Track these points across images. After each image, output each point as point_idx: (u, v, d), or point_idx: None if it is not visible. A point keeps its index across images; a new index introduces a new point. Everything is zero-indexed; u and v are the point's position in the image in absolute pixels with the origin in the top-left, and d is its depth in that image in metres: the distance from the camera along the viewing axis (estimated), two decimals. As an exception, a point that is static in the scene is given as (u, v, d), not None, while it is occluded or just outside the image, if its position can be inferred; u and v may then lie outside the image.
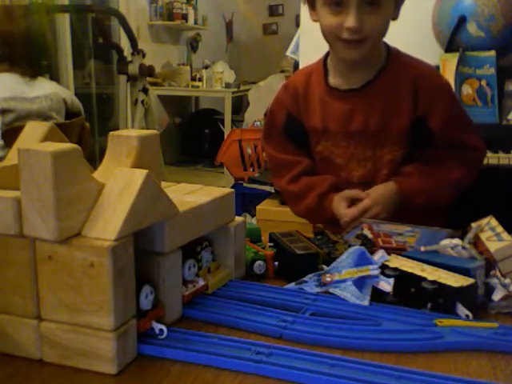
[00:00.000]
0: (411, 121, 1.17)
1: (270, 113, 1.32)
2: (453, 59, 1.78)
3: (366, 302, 0.75)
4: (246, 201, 2.65)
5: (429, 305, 0.73)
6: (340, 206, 1.18)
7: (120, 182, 0.61)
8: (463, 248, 0.82)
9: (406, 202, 1.18)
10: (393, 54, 1.20)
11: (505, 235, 0.82)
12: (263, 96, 4.77)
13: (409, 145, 1.19)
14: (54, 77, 3.77)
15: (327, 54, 1.25)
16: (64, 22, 4.03)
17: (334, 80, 1.22)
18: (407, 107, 1.16)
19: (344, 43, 1.10)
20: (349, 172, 1.23)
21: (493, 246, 0.81)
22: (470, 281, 0.73)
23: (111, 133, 0.67)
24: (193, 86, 5.29)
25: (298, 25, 2.61)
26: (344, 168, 1.24)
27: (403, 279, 0.76)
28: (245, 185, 2.71)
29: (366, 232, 0.93)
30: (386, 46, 1.21)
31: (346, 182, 1.23)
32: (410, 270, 0.76)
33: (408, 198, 1.18)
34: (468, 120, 1.24)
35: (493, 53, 1.76)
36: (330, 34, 1.13)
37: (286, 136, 1.28)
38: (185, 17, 5.43)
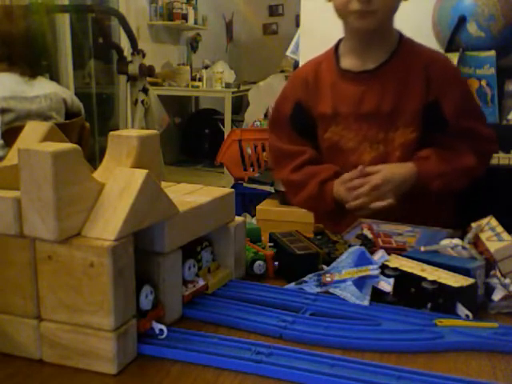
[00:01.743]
0: (424, 105, 1.18)
1: (277, 104, 1.33)
2: (453, 59, 1.77)
3: (365, 302, 0.75)
4: (246, 201, 2.65)
5: (429, 305, 0.73)
6: (340, 189, 1.18)
7: (120, 182, 0.61)
8: (463, 248, 0.82)
9: (422, 185, 1.16)
10: (405, 39, 1.23)
11: (505, 235, 0.82)
12: (263, 96, 4.77)
13: (421, 129, 1.19)
14: (54, 77, 3.77)
15: (338, 42, 1.28)
16: (64, 22, 4.02)
17: (346, 62, 1.24)
18: (420, 91, 1.18)
19: (355, 14, 1.13)
20: (359, 155, 1.23)
21: (493, 245, 0.81)
22: (470, 281, 0.73)
23: (111, 133, 0.67)
24: (193, 86, 5.29)
25: (298, 25, 2.61)
26: (354, 152, 1.23)
27: (403, 279, 0.76)
28: (245, 185, 2.71)
29: (366, 232, 0.93)
30: (399, 32, 1.23)
31: (355, 166, 1.21)
32: (409, 270, 0.76)
33: (425, 181, 1.16)
34: (481, 111, 1.25)
35: (493, 53, 1.76)
36: (342, 7, 1.15)
37: (292, 126, 1.29)
38: (185, 17, 5.43)
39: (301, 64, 2.40)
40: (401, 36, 1.23)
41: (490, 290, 0.78)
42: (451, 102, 1.17)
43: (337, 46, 1.28)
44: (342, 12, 1.16)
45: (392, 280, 0.76)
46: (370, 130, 1.21)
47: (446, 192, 1.20)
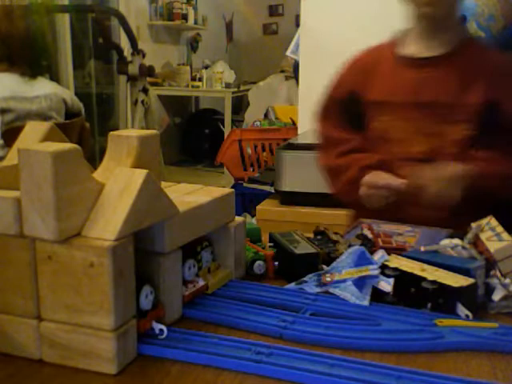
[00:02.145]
0: (484, 102, 1.12)
1: (329, 91, 1.29)
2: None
3: (365, 302, 0.75)
4: (246, 201, 2.65)
5: (429, 305, 0.73)
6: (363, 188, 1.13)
7: (120, 182, 0.61)
8: (463, 248, 0.82)
9: (479, 187, 1.08)
10: (470, 35, 1.20)
11: (505, 235, 0.82)
12: (263, 96, 4.78)
13: (479, 127, 1.13)
14: (54, 77, 3.76)
15: (402, 31, 1.23)
16: (64, 22, 4.03)
17: (409, 49, 1.20)
18: (482, 87, 1.13)
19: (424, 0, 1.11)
20: (408, 147, 1.17)
21: (493, 246, 0.81)
22: (470, 281, 0.73)
23: (111, 133, 0.67)
24: (193, 86, 5.29)
25: (298, 25, 2.61)
26: (403, 143, 1.18)
27: (403, 279, 0.76)
28: (245, 185, 2.71)
29: (366, 232, 0.93)
30: (465, 22, 1.21)
31: (402, 158, 1.16)
32: (409, 270, 0.76)
33: (485, 182, 1.08)
34: None
35: (493, 53, 1.76)
36: None
37: (342, 114, 1.26)
38: (185, 17, 5.43)
39: (301, 64, 2.41)
40: (467, 30, 1.18)
41: (490, 289, 0.78)
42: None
43: (400, 35, 1.22)
44: None
45: (392, 280, 0.76)
46: (424, 120, 1.15)
47: (502, 195, 1.11)
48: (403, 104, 1.17)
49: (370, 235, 0.92)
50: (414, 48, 1.19)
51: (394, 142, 1.18)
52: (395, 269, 0.77)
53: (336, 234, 0.96)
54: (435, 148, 1.15)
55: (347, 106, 1.25)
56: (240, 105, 5.81)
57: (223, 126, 5.13)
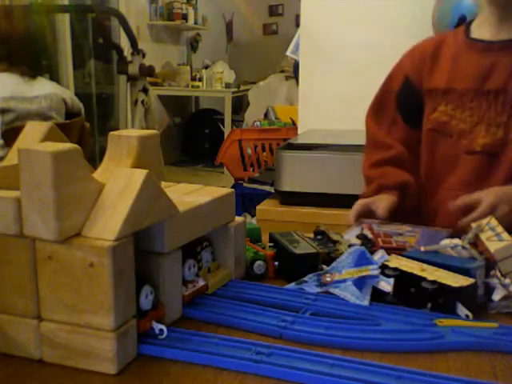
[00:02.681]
0: None
1: (388, 78, 1.24)
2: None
3: (365, 302, 0.75)
4: (245, 201, 2.65)
5: (429, 305, 0.73)
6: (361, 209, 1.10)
7: (120, 182, 0.61)
8: (463, 248, 0.82)
9: None
10: None
11: (505, 235, 0.82)
12: (263, 96, 4.78)
13: None
14: (54, 77, 3.77)
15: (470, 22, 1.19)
16: (64, 21, 4.03)
17: (478, 33, 1.14)
18: None
19: None
20: (472, 139, 1.10)
21: (493, 245, 0.81)
22: (470, 281, 0.73)
23: (111, 133, 0.67)
24: (193, 86, 5.29)
25: (298, 25, 2.61)
26: (466, 134, 1.11)
27: (403, 279, 0.76)
28: (245, 185, 2.71)
29: (366, 232, 0.93)
30: None
31: (465, 150, 1.11)
32: (409, 270, 0.76)
33: None
34: None
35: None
36: None
37: (397, 106, 1.21)
38: (185, 17, 5.43)
39: (301, 64, 2.41)
40: None
41: (490, 289, 0.78)
42: None
43: (470, 22, 1.17)
44: None
45: (392, 280, 0.76)
46: (490, 110, 1.08)
47: None
48: (466, 92, 1.11)
49: (370, 235, 0.92)
50: (482, 32, 1.13)
51: (457, 134, 1.12)
52: (395, 269, 0.77)
53: (336, 233, 0.96)
54: (501, 140, 1.08)
55: (402, 96, 1.20)
56: (240, 105, 5.81)
57: (223, 126, 5.14)
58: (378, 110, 1.25)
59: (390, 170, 1.17)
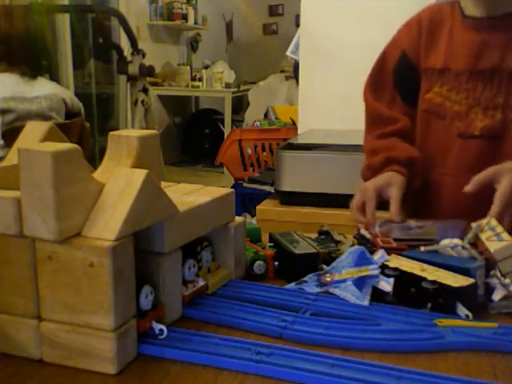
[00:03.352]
0: None
1: (383, 53, 1.19)
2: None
3: (365, 302, 0.75)
4: (245, 201, 2.65)
5: (429, 305, 0.73)
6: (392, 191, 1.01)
7: (120, 182, 0.61)
8: (463, 248, 0.82)
9: None
10: None
11: (505, 235, 0.82)
12: (263, 96, 4.78)
13: None
14: (54, 77, 3.77)
15: None
16: (64, 21, 4.03)
17: (470, 7, 1.08)
18: None
19: None
20: (469, 123, 1.06)
21: (493, 246, 0.81)
22: (470, 281, 0.73)
23: (111, 133, 0.67)
24: (193, 86, 5.30)
25: (298, 25, 2.61)
26: (461, 118, 1.07)
27: (403, 279, 0.76)
28: (245, 185, 2.71)
29: (364, 232, 0.93)
30: None
31: (461, 134, 1.06)
32: (410, 270, 0.76)
33: None
34: None
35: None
36: None
37: (395, 84, 1.16)
38: (185, 17, 5.44)
39: (301, 64, 2.41)
40: None
41: (490, 289, 0.78)
42: None
43: None
44: None
45: (392, 280, 0.76)
46: (486, 91, 1.04)
47: None
48: (461, 72, 1.07)
49: (367, 235, 0.92)
50: (472, 8, 1.08)
51: (451, 117, 1.08)
52: (395, 269, 0.77)
53: (340, 234, 0.96)
54: (500, 123, 1.04)
55: (400, 73, 1.15)
56: (240, 105, 5.82)
57: (223, 126, 5.14)
58: (375, 87, 1.19)
59: (399, 143, 1.11)
